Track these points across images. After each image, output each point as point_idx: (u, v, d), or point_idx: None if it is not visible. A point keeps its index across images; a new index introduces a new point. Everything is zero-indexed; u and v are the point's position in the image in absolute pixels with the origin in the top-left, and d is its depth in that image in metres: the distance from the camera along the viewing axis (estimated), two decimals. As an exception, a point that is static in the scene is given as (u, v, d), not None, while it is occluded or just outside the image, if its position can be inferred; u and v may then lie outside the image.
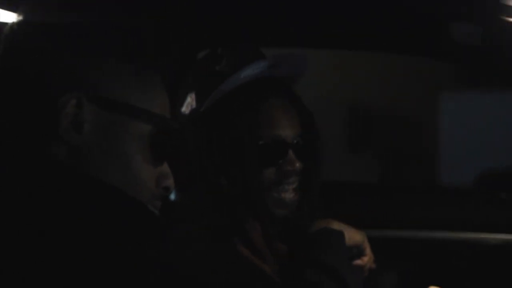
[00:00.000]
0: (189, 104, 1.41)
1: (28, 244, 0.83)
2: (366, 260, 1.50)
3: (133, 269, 0.86)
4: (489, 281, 1.40)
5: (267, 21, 1.75)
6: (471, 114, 3.22)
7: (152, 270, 0.89)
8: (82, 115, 0.90)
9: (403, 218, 2.15)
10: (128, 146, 0.92)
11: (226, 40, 1.78)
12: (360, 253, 1.50)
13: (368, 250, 1.51)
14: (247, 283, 1.33)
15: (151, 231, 0.94)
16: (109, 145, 0.91)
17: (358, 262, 1.49)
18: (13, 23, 0.93)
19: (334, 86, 3.29)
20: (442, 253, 2.00)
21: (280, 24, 1.78)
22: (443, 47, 1.67)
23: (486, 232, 2.01)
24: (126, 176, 0.92)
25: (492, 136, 3.15)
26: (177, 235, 1.35)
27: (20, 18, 0.94)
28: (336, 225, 1.44)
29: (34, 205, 0.86)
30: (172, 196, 1.51)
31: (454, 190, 2.78)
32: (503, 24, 1.34)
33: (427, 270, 1.56)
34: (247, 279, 1.34)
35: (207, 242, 1.34)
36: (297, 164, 1.38)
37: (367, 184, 2.93)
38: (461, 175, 3.09)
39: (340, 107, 3.36)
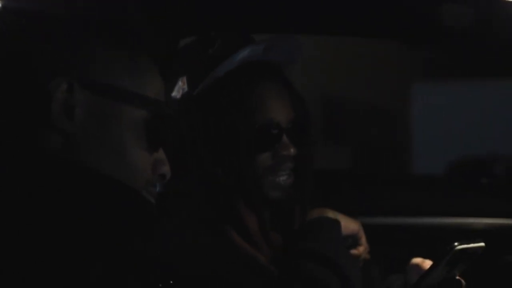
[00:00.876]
0: (180, 88, 1.38)
1: (25, 238, 0.80)
2: (362, 250, 1.48)
3: (128, 259, 0.84)
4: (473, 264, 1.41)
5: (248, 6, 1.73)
6: (445, 103, 3.25)
7: (145, 262, 0.87)
8: (74, 100, 0.86)
9: (378, 206, 2.18)
10: (122, 132, 0.89)
11: (217, 24, 1.75)
12: (356, 243, 1.47)
13: (363, 240, 1.48)
14: (241, 272, 1.31)
15: (146, 219, 0.93)
16: (102, 132, 0.88)
17: (353, 252, 1.47)
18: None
19: (307, 76, 3.28)
20: (424, 238, 2.02)
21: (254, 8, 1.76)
22: (431, 30, 1.65)
23: (468, 217, 2.03)
24: (121, 164, 0.89)
25: (467, 125, 3.17)
26: (170, 226, 1.34)
27: (2, 3, 0.91)
28: (331, 214, 1.42)
29: (28, 198, 0.82)
30: (165, 186, 1.50)
31: (429, 178, 2.80)
32: (496, 4, 1.33)
33: (410, 254, 1.56)
34: (241, 268, 1.31)
35: (200, 232, 1.33)
36: (292, 149, 1.36)
37: (341, 172, 2.93)
38: (436, 164, 3.11)
39: (313, 97, 3.36)
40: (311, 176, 1.43)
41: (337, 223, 1.41)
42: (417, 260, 1.44)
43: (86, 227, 0.83)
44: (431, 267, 1.33)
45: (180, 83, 1.38)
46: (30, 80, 0.86)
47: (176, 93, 1.38)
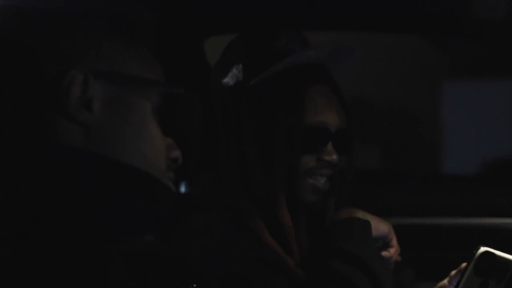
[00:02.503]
0: (234, 75, 1.36)
1: (47, 230, 0.80)
2: (393, 252, 1.44)
3: (150, 256, 0.85)
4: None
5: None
6: (476, 101, 3.20)
7: (168, 261, 0.89)
8: (90, 92, 0.85)
9: (406, 206, 2.14)
10: (137, 118, 0.89)
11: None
12: (386, 245, 1.44)
13: (394, 242, 1.45)
14: (268, 273, 1.28)
15: (168, 206, 0.92)
16: (120, 121, 0.88)
17: (384, 253, 1.43)
18: (3, 5, 0.88)
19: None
20: (452, 239, 1.98)
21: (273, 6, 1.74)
22: (461, 24, 1.62)
23: (497, 216, 1.98)
24: (140, 151, 0.89)
25: (499, 123, 3.13)
26: (200, 224, 1.32)
27: None
28: (361, 215, 1.39)
29: (49, 191, 0.82)
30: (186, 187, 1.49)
31: (458, 178, 2.75)
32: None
33: (440, 256, 1.52)
34: (269, 269, 1.29)
35: (230, 230, 1.31)
36: (334, 156, 1.36)
37: (371, 172, 2.90)
38: (468, 163, 3.07)
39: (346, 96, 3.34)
40: (348, 185, 1.43)
41: (367, 224, 1.38)
42: (454, 272, 1.40)
43: (109, 218, 0.84)
44: (462, 273, 1.28)
45: (235, 70, 1.36)
46: (44, 73, 0.85)
47: (229, 80, 1.37)
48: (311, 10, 1.76)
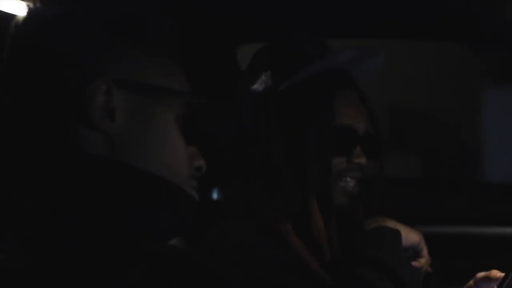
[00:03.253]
0: (263, 81, 1.37)
1: (71, 238, 0.80)
2: (423, 262, 1.43)
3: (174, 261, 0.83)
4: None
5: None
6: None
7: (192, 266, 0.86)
8: (113, 102, 0.86)
9: (446, 214, 2.11)
10: (160, 128, 0.89)
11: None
12: (417, 255, 1.43)
13: (425, 252, 1.43)
14: (294, 277, 1.27)
15: (191, 214, 0.92)
16: (142, 130, 0.88)
17: (414, 263, 1.42)
18: (28, 13, 0.89)
19: (375, 82, 3.24)
20: (491, 249, 1.94)
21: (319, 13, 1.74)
22: (495, 29, 1.59)
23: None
24: (162, 160, 0.89)
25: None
26: (227, 229, 1.33)
27: (35, 7, 0.89)
28: (392, 224, 1.38)
29: (74, 201, 0.82)
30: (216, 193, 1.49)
31: (499, 185, 2.70)
32: None
33: (473, 266, 1.49)
34: (295, 272, 1.28)
35: (254, 235, 1.30)
36: (363, 159, 1.36)
37: (409, 179, 2.87)
38: (506, 171, 3.02)
39: (382, 104, 3.31)
40: (378, 192, 1.43)
41: (397, 233, 1.37)
42: (481, 274, 1.38)
43: (131, 225, 0.84)
44: (502, 281, 1.26)
45: (263, 77, 1.38)
46: (69, 82, 0.85)
47: (258, 86, 1.38)
48: (347, 18, 1.77)
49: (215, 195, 1.50)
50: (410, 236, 1.40)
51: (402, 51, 2.90)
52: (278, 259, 1.27)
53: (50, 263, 0.79)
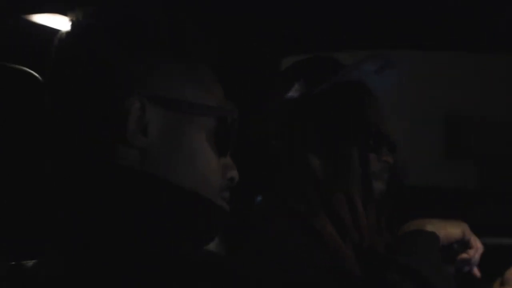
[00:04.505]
0: (297, 89, 1.43)
1: (106, 253, 0.82)
2: (472, 253, 1.41)
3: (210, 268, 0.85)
4: None
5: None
6: None
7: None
8: (146, 118, 0.87)
9: (501, 225, 2.10)
10: (191, 142, 0.91)
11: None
12: (464, 246, 1.41)
13: (473, 241, 1.41)
14: (333, 282, 1.30)
15: (222, 226, 0.94)
16: (174, 145, 0.90)
17: (463, 256, 1.41)
18: (69, 27, 0.91)
19: (431, 92, 3.23)
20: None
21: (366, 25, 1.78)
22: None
23: None
24: (194, 174, 0.90)
25: None
26: (266, 233, 1.36)
27: (77, 21, 0.91)
28: (429, 225, 1.37)
29: (107, 214, 0.84)
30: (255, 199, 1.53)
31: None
32: None
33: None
34: (335, 277, 1.30)
35: (296, 237, 1.33)
36: (390, 158, 1.42)
37: (464, 189, 2.86)
38: None
39: (438, 113, 3.30)
40: (402, 190, 1.46)
41: (433, 236, 1.36)
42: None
43: (164, 238, 0.86)
44: None
45: (297, 85, 1.44)
46: (105, 97, 0.87)
47: (293, 93, 1.43)
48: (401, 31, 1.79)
49: (254, 200, 1.54)
50: (451, 232, 1.38)
51: (461, 60, 2.89)
52: (318, 263, 1.29)
53: (87, 270, 0.81)
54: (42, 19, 1.27)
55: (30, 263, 0.87)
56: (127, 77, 0.88)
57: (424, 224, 1.39)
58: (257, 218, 1.42)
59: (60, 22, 1.24)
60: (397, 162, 1.48)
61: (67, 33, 0.90)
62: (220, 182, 0.94)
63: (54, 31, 0.93)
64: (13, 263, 0.87)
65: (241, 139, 1.21)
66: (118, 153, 0.88)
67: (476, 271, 1.44)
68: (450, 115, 3.28)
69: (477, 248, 1.42)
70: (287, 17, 1.71)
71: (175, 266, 0.83)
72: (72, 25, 0.91)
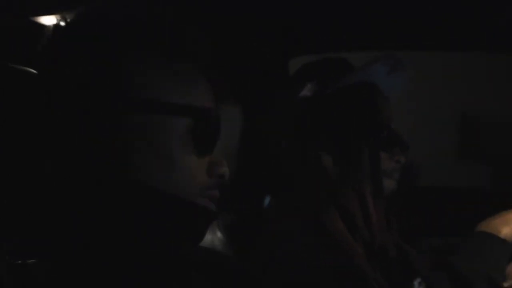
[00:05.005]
0: (310, 89, 1.46)
1: (105, 253, 0.83)
2: None
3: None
4: None
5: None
6: None
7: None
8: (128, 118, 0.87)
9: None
10: (168, 142, 0.89)
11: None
12: None
13: None
14: (344, 283, 1.30)
15: (205, 225, 0.93)
16: (150, 144, 0.88)
17: None
18: (66, 27, 0.91)
19: (445, 92, 3.22)
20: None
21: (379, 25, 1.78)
22: None
23: None
24: (171, 174, 0.89)
25: None
26: (275, 232, 1.36)
27: (76, 20, 0.91)
28: (505, 228, 1.37)
29: (105, 214, 0.85)
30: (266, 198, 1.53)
31: None
32: None
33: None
34: (346, 278, 1.30)
35: (307, 236, 1.33)
36: (402, 157, 1.45)
37: (478, 190, 2.83)
38: None
39: (451, 113, 3.28)
40: (413, 190, 1.46)
41: (500, 242, 1.37)
42: None
43: (145, 242, 0.86)
44: None
45: (309, 85, 1.46)
46: (103, 97, 0.87)
47: (306, 92, 1.45)
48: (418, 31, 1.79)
49: (263, 202, 1.54)
50: None
51: (475, 60, 2.88)
52: (330, 263, 1.30)
53: (87, 271, 0.82)
54: (46, 20, 1.28)
55: (30, 262, 0.87)
56: (122, 78, 0.87)
57: (501, 226, 1.37)
58: (267, 217, 1.42)
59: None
60: (409, 162, 1.47)
61: (65, 31, 0.90)
62: (203, 181, 0.92)
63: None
64: (13, 262, 0.87)
65: (250, 139, 1.20)
66: (94, 154, 0.87)
67: None
68: (464, 115, 3.26)
69: None
70: (293, 18, 1.72)
71: (175, 266, 0.85)
72: (68, 25, 0.91)
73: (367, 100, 1.43)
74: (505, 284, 1.38)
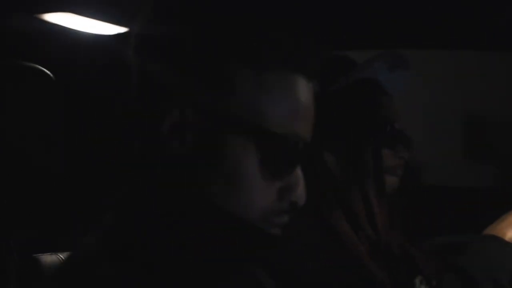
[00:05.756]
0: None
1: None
2: None
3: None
4: None
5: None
6: None
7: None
8: (185, 126, 0.83)
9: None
10: (236, 160, 0.83)
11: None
12: None
13: None
14: (350, 281, 1.30)
15: (264, 250, 0.89)
16: (215, 159, 0.83)
17: None
18: (127, 36, 0.89)
19: (452, 91, 3.21)
20: None
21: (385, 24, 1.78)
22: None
23: None
24: (236, 195, 0.84)
25: None
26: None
27: (132, 30, 0.89)
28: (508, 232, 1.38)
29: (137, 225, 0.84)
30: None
31: None
32: None
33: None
34: (352, 276, 1.31)
35: (315, 234, 1.34)
36: (406, 154, 1.46)
37: (485, 189, 2.83)
38: None
39: (459, 112, 3.28)
40: (417, 188, 1.47)
41: (505, 245, 1.37)
42: None
43: (199, 259, 0.83)
44: None
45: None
46: (150, 110, 0.85)
47: None
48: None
49: None
50: None
51: (483, 59, 2.87)
52: (334, 259, 1.31)
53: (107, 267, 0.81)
54: (54, 18, 1.29)
55: (41, 256, 0.88)
56: (172, 89, 0.84)
57: (507, 229, 1.38)
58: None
59: (72, 21, 1.25)
60: (413, 159, 1.48)
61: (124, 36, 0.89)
62: (271, 206, 0.86)
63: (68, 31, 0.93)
64: (25, 257, 0.89)
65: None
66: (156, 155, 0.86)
67: None
68: (470, 115, 3.26)
69: None
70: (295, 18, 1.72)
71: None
72: (131, 31, 0.89)
73: (367, 97, 1.44)
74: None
